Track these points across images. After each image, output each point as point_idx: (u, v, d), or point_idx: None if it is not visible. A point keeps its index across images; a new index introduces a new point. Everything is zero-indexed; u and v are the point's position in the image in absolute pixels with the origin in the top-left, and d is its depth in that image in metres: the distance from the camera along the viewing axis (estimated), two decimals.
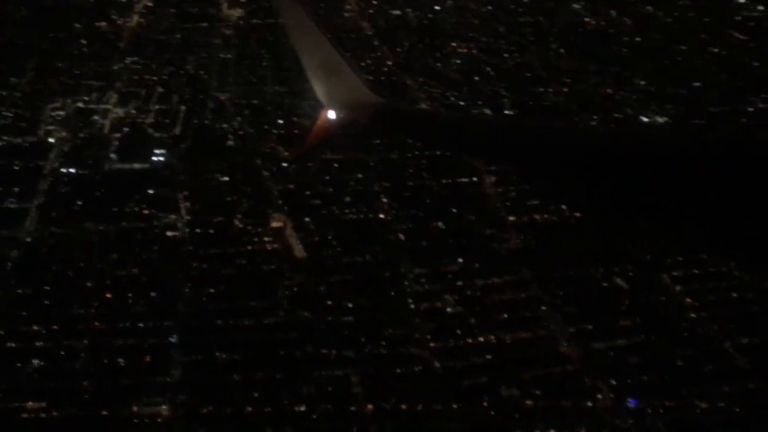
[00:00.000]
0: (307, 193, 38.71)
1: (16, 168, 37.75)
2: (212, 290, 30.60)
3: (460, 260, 34.15)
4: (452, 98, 53.42)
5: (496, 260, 34.58)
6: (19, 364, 25.75)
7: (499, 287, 32.74)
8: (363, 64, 57.58)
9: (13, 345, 26.53)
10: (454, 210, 38.34)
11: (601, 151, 6.48)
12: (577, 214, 37.62)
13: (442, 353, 28.59)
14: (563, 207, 38.83)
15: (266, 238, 34.44)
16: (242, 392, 25.86)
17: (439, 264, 33.83)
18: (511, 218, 38.20)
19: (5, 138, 40.68)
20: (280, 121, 46.49)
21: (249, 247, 33.60)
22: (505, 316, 30.90)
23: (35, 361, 25.87)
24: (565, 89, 57.73)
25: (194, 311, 29.30)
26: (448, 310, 30.86)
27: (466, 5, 78.69)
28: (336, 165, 41.63)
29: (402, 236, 35.79)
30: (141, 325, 28.19)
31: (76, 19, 61.25)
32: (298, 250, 33.98)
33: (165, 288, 30.18)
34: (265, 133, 44.68)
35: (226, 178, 38.95)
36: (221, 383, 26.06)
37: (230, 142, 43.19)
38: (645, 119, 51.85)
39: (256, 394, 25.72)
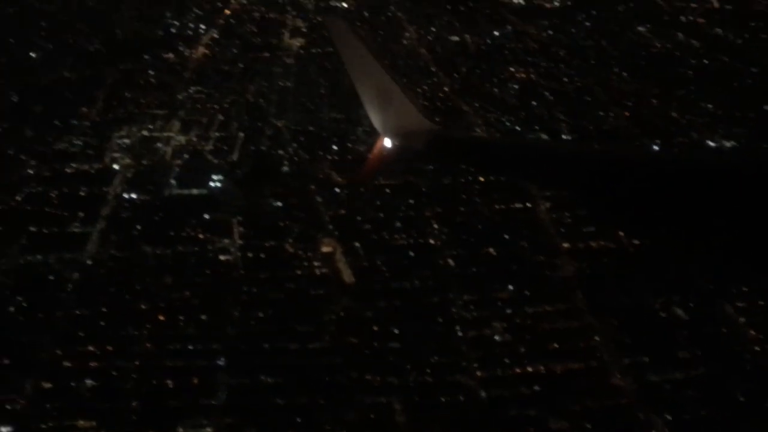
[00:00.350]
0: (358, 218, 38.89)
1: (82, 194, 39.30)
2: (260, 314, 30.97)
3: (511, 287, 33.60)
4: (508, 123, 53.03)
5: (548, 287, 33.81)
6: (73, 384, 26.50)
7: (551, 315, 32.00)
8: (419, 90, 57.83)
9: (69, 365, 27.37)
10: (506, 236, 37.81)
11: (662, 176, 6.32)
12: (636, 242, 36.64)
13: (488, 382, 28.08)
14: (621, 234, 37.83)
15: (316, 263, 34.71)
16: (285, 416, 25.98)
17: (489, 291, 33.37)
18: (566, 245, 37.41)
19: (74, 165, 42.43)
20: (335, 148, 47.06)
21: (298, 272, 33.91)
22: (556, 345, 30.14)
23: (88, 381, 26.62)
24: (627, 113, 56.55)
25: (242, 334, 29.70)
26: (497, 338, 30.33)
27: (526, 30, 78.45)
28: (387, 190, 41.74)
29: (452, 262, 35.50)
30: (190, 347, 28.74)
31: (145, 51, 63.83)
32: (347, 275, 34.10)
33: (215, 311, 30.67)
34: (320, 159, 45.23)
35: (280, 203, 39.48)
36: (265, 407, 26.26)
37: (285, 168, 43.93)
38: (712, 144, 50.18)
39: (299, 419, 25.79)
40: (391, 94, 12.13)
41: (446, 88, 59.27)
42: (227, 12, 79.64)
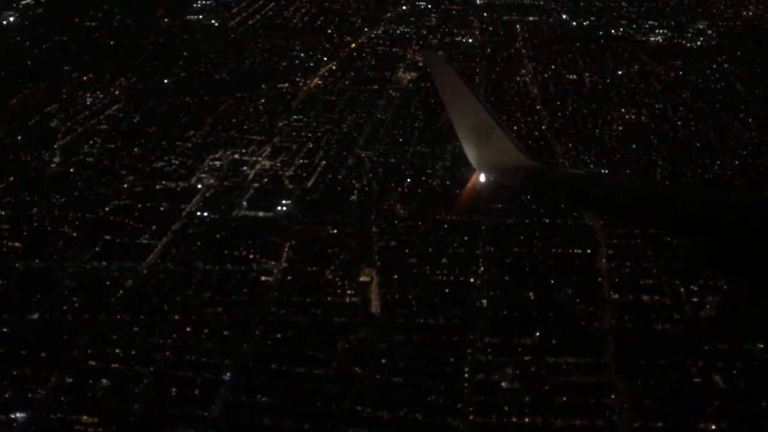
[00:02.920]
0: (407, 251, 39.12)
1: (162, 209, 42.79)
2: (279, 335, 32.10)
3: (538, 334, 32.30)
4: (592, 165, 50.89)
5: (578, 339, 32.16)
6: (90, 382, 29.01)
7: (571, 368, 30.44)
8: (515, 128, 57.05)
9: (94, 364, 29.98)
10: (552, 281, 36.41)
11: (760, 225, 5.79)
12: (695, 299, 34.04)
13: (479, 429, 27.17)
14: (681, 290, 35.27)
15: (349, 291, 35.39)
16: None
17: (513, 336, 32.30)
18: (615, 296, 35.43)
19: (164, 182, 46.34)
20: (409, 180, 47.61)
21: (329, 298, 34.76)
22: (565, 399, 28.59)
23: (105, 381, 29.02)
24: (737, 162, 52.29)
25: (256, 353, 30.94)
26: (503, 384, 29.32)
27: (654, 70, 74.92)
28: (446, 226, 41.64)
29: (485, 302, 34.75)
30: (204, 360, 30.40)
31: (264, 81, 68.12)
32: (375, 306, 34.47)
33: (238, 328, 32.24)
34: (389, 191, 46.00)
35: (335, 231, 40.63)
36: (252, 425, 27.17)
37: (353, 197, 45.09)
38: None
39: None
40: (488, 129, 12.41)
41: (544, 127, 57.87)
42: (353, 45, 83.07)
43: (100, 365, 29.88)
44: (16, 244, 38.72)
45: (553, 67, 75.83)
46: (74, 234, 39.76)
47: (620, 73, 74.44)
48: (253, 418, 27.43)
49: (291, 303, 34.49)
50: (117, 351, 30.66)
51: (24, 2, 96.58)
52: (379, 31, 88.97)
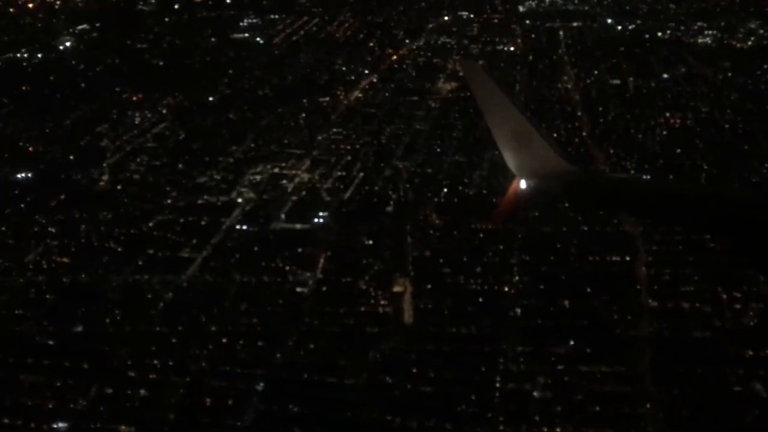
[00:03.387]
0: (441, 260, 39.15)
1: (203, 223, 43.86)
2: (312, 345, 32.51)
3: (572, 343, 31.90)
4: (638, 171, 49.96)
5: (613, 347, 31.63)
6: (129, 392, 29.92)
7: (605, 377, 29.96)
8: (555, 134, 56.51)
9: (133, 374, 30.91)
10: (588, 289, 35.92)
11: None
12: (737, 306, 33.17)
13: None
14: (723, 296, 34.39)
15: (383, 302, 35.62)
16: None
17: (547, 344, 31.97)
18: (653, 303, 34.75)
19: (206, 197, 47.53)
20: (445, 190, 47.65)
21: (362, 309, 35.05)
22: (598, 408, 28.14)
23: (142, 391, 29.88)
24: None
25: (288, 363, 31.40)
26: (535, 394, 29.03)
27: (702, 72, 73.26)
28: (481, 235, 41.54)
29: (519, 311, 34.50)
30: (238, 370, 31.01)
31: (305, 95, 69.16)
32: (408, 316, 34.60)
33: (272, 339, 32.80)
34: (425, 201, 46.13)
35: (371, 242, 40.96)
36: None
37: (389, 208, 45.37)
38: None
39: None
40: (527, 134, 12.51)
41: (584, 133, 57.17)
42: (394, 57, 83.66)
43: (138, 375, 30.73)
44: (65, 260, 40.20)
45: (596, 72, 74.86)
46: (119, 249, 41.10)
47: (666, 76, 73.00)
48: (283, 427, 27.77)
49: (324, 313, 34.90)
50: (155, 362, 31.52)
51: (80, 27, 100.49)
52: (421, 42, 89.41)
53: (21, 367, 31.32)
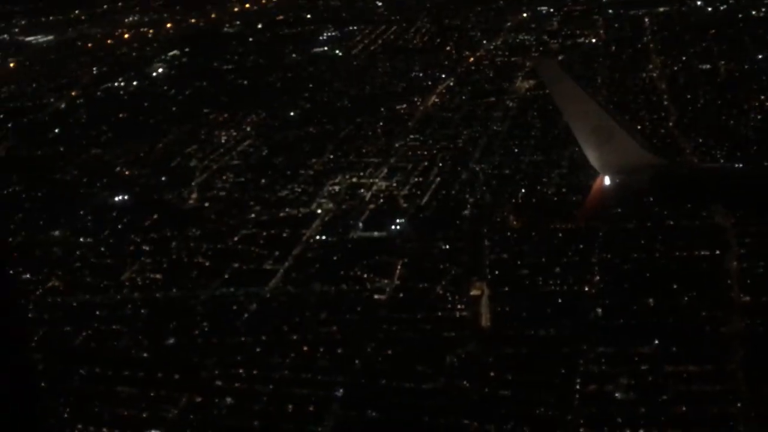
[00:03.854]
0: (519, 262, 38.74)
1: (285, 235, 45.19)
2: (390, 351, 32.87)
3: (656, 342, 30.84)
4: (729, 159, 47.71)
5: (702, 345, 30.35)
6: (216, 400, 31.22)
7: (693, 376, 28.80)
8: (639, 126, 54.78)
9: (220, 384, 32.23)
10: (675, 286, 34.62)
11: None
12: None
13: None
14: None
15: (459, 306, 35.61)
16: None
17: (630, 345, 31.05)
18: (746, 298, 33.11)
19: (287, 210, 48.96)
20: (523, 191, 47.09)
21: (439, 313, 35.13)
22: (684, 409, 27.07)
23: (228, 399, 31.11)
24: None
25: (367, 370, 31.86)
26: (617, 395, 28.25)
27: None
28: (560, 235, 40.83)
29: (600, 311, 33.67)
30: (319, 377, 31.77)
31: (383, 104, 69.94)
32: (485, 320, 34.42)
33: (351, 346, 33.41)
34: (502, 203, 45.74)
35: (447, 246, 41.01)
36: None
37: (465, 212, 45.27)
38: None
39: None
40: (609, 129, 12.67)
41: (671, 123, 55.10)
42: (471, 60, 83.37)
43: (225, 385, 31.97)
44: (157, 276, 42.30)
45: (683, 58, 72.05)
46: (206, 263, 42.84)
47: (760, 57, 69.30)
48: None
49: (402, 320, 35.20)
50: (240, 371, 32.69)
51: (171, 53, 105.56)
52: (498, 42, 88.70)
53: (118, 380, 33.13)
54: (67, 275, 44.10)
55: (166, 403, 31.38)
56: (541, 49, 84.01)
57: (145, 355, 35.14)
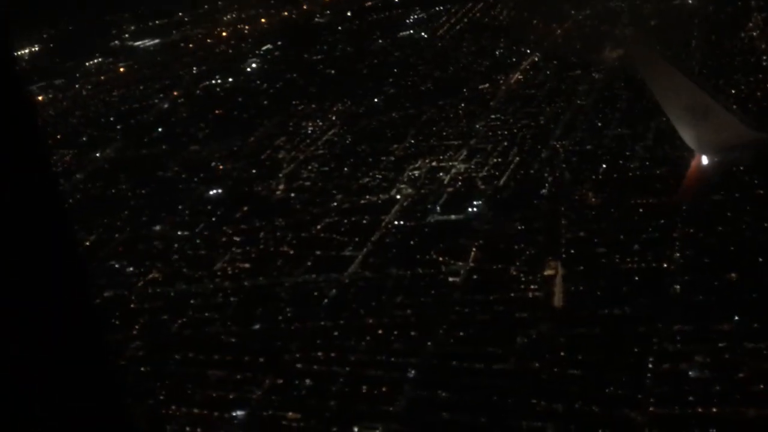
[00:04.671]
0: (596, 240, 38.16)
1: (365, 222, 46.43)
2: (461, 333, 33.41)
3: (737, 318, 29.79)
4: None
5: None
6: (297, 382, 32.89)
7: None
8: (733, 91, 52.24)
9: (300, 366, 33.88)
10: (761, 259, 33.15)
11: None
12: None
13: (661, 421, 26.01)
14: None
15: (533, 286, 35.58)
16: (450, 429, 28.24)
17: (709, 322, 30.15)
18: None
19: (367, 197, 50.11)
20: (604, 166, 46.11)
21: (512, 294, 35.27)
22: (762, 386, 26.15)
23: (308, 381, 32.70)
24: None
25: (439, 352, 32.57)
26: (691, 373, 27.60)
27: None
28: (641, 210, 39.84)
29: (678, 288, 32.79)
30: (392, 359, 32.77)
31: (464, 86, 69.77)
32: (558, 299, 34.26)
33: (424, 328, 34.21)
34: (582, 180, 44.97)
35: (523, 227, 40.93)
36: (431, 419, 28.87)
37: (543, 191, 44.86)
38: None
39: None
40: (704, 107, 12.96)
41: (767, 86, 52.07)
42: (558, 32, 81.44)
43: (305, 367, 33.57)
44: (246, 265, 44.59)
45: None
46: (291, 252, 44.71)
47: None
48: (431, 413, 29.02)
49: (475, 301, 35.57)
50: (319, 354, 34.20)
51: (264, 48, 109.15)
52: (588, 12, 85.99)
53: (209, 364, 35.43)
54: (166, 267, 47.15)
55: (251, 384, 33.27)
56: (633, 14, 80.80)
57: (233, 340, 37.26)
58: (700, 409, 25.85)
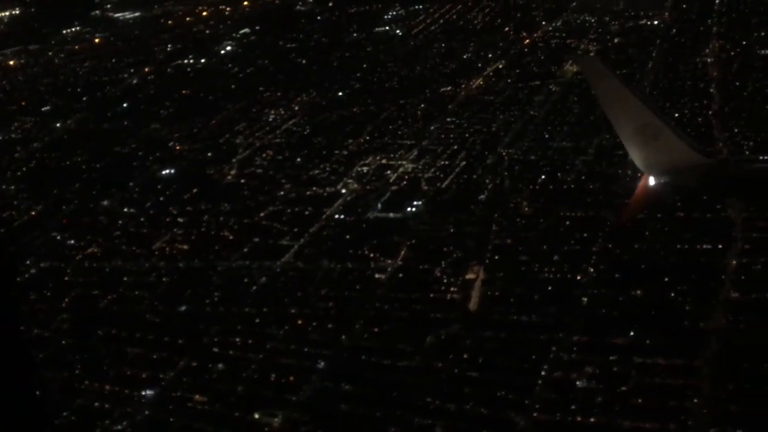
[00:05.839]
0: (520, 248, 39.36)
1: (307, 213, 47.30)
2: (376, 329, 34.46)
3: (632, 333, 31.14)
4: (762, 152, 46.23)
5: (676, 340, 30.43)
6: (210, 365, 33.75)
7: (659, 370, 29.04)
8: (676, 114, 53.70)
9: (216, 350, 34.71)
10: (666, 279, 34.56)
11: None
12: None
13: (542, 426, 27.26)
14: None
15: (453, 288, 36.70)
16: (341, 420, 29.29)
17: (606, 335, 31.47)
18: (735, 295, 32.76)
19: (314, 189, 51.00)
20: (543, 177, 47.33)
21: (431, 295, 36.38)
22: (640, 401, 27.49)
23: (221, 365, 33.60)
24: None
25: (352, 345, 33.61)
26: (578, 383, 28.89)
27: None
28: (568, 223, 41.10)
29: (585, 300, 34.10)
30: (305, 349, 33.78)
31: (427, 86, 70.73)
32: (473, 303, 35.41)
33: (342, 322, 35.23)
34: (519, 189, 46.14)
35: (453, 230, 42.01)
36: (330, 410, 29.89)
37: (482, 196, 45.98)
38: None
39: (349, 425, 28.89)
40: (654, 129, 12.83)
41: (710, 112, 53.59)
42: (526, 41, 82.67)
43: (221, 351, 34.45)
44: (185, 247, 45.32)
45: (744, 43, 69.06)
46: (230, 237, 45.48)
47: None
48: (331, 403, 30.06)
49: (396, 299, 36.61)
50: (237, 339, 35.10)
51: (242, 32, 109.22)
52: (559, 23, 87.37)
53: (129, 341, 36.20)
54: (106, 242, 47.71)
55: (165, 364, 34.09)
56: (599, 31, 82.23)
57: (157, 320, 38.04)
58: (579, 418, 27.11)
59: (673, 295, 33.19)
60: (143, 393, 32.28)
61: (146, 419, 31.28)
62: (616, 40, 76.31)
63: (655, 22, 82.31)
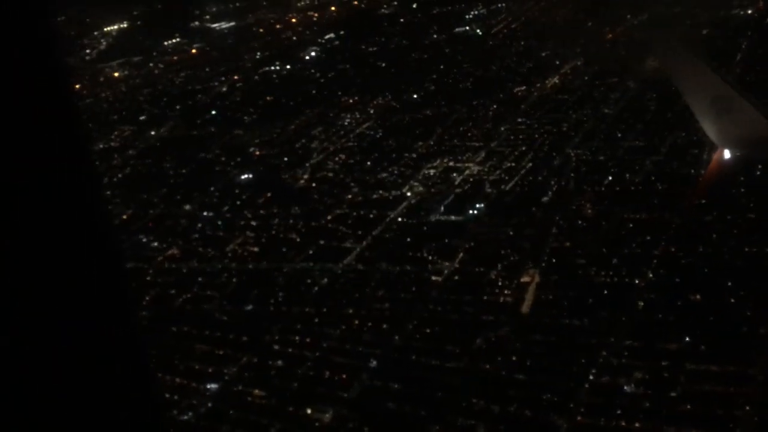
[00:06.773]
0: (579, 251, 38.98)
1: (371, 216, 48.45)
2: (428, 330, 35.10)
3: (687, 339, 30.42)
4: None
5: (732, 346, 29.51)
6: (269, 362, 35.41)
7: (711, 376, 28.26)
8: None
9: (276, 348, 36.36)
10: (730, 283, 33.43)
11: None
12: None
13: (584, 430, 27.16)
14: None
15: (507, 291, 36.84)
16: (388, 418, 30.14)
17: (658, 340, 30.87)
18: None
19: (380, 192, 52.06)
20: (610, 178, 46.52)
21: (484, 297, 36.65)
22: (689, 407, 26.90)
23: (279, 362, 35.18)
24: None
25: (403, 345, 34.43)
26: (626, 388, 28.53)
27: None
28: (631, 225, 40.36)
29: (641, 304, 33.49)
30: (360, 348, 34.84)
31: (501, 87, 70.46)
32: (526, 306, 35.43)
33: (396, 323, 36.08)
34: (582, 191, 45.54)
35: (512, 233, 42.05)
36: (378, 408, 30.82)
37: (545, 198, 45.69)
38: None
39: (396, 423, 29.71)
40: (730, 101, 12.29)
41: None
42: (609, 36, 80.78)
43: (280, 349, 36.05)
44: (255, 249, 47.42)
45: None
46: (297, 239, 47.21)
47: None
48: (379, 401, 30.95)
49: (449, 301, 37.10)
50: (296, 338, 36.60)
51: (327, 37, 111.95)
52: (644, 17, 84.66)
53: (198, 338, 38.41)
54: (185, 245, 50.56)
55: (229, 360, 36.01)
56: (687, 22, 79.12)
57: (224, 318, 40.13)
58: (623, 423, 26.79)
59: (733, 300, 31.97)
60: (208, 386, 34.23)
61: (209, 411, 33.15)
62: (704, 32, 73.26)
63: (749, 11, 78.43)
